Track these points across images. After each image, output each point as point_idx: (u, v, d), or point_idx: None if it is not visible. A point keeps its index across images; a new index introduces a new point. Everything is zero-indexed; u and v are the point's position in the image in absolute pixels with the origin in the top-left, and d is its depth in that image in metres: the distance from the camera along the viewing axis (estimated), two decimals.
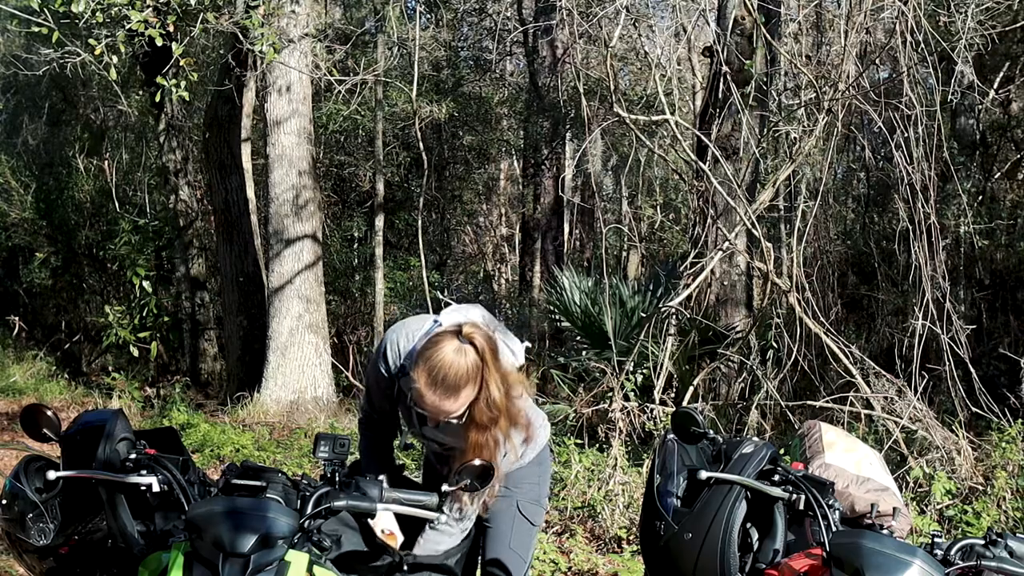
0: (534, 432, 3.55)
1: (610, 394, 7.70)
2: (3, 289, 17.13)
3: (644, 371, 8.16)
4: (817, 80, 8.08)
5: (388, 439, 3.72)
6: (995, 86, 10.99)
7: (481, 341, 3.19)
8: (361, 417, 3.75)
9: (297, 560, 2.71)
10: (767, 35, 8.39)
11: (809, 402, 7.67)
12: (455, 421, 3.25)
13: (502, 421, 3.28)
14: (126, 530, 3.05)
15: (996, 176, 12.70)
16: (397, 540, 3.40)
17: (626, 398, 7.63)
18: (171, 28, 7.82)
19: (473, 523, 3.57)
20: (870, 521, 3.13)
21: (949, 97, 8.58)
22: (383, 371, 3.48)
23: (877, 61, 9.26)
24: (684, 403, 7.82)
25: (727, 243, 8.22)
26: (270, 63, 10.54)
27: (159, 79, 8.18)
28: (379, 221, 13.56)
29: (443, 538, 3.48)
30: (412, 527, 3.44)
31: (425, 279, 10.91)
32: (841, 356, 7.41)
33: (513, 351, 3.49)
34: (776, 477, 3.24)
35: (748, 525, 3.25)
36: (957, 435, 6.97)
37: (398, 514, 3.24)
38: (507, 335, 3.51)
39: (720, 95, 8.88)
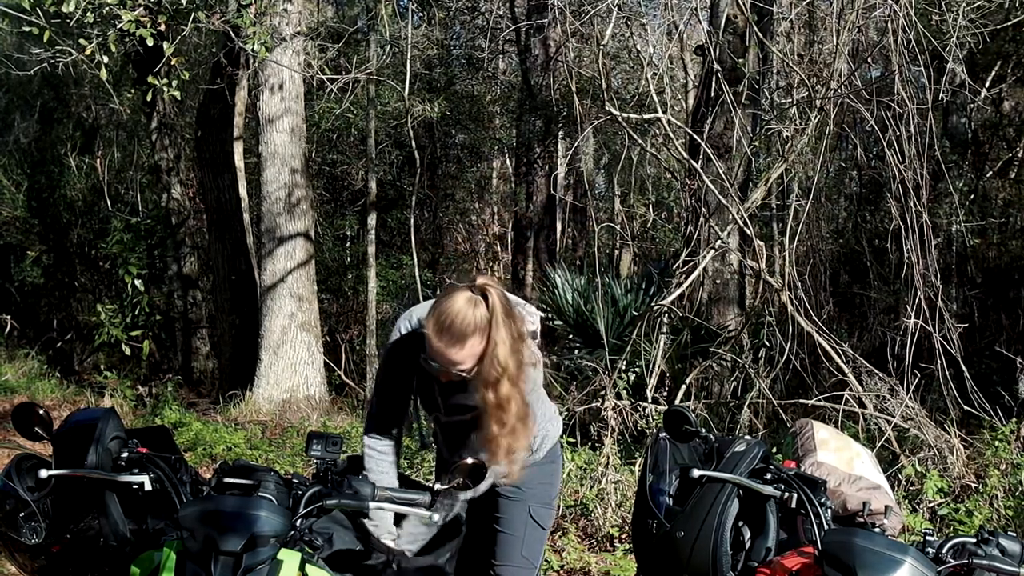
0: (533, 425, 3.43)
1: (602, 392, 7.68)
2: None
3: (636, 369, 8.16)
4: (809, 79, 8.09)
5: (394, 454, 3.59)
6: (987, 85, 10.99)
7: (494, 295, 3.15)
8: (365, 431, 3.60)
9: (289, 559, 2.71)
10: (759, 34, 8.39)
11: (801, 400, 7.67)
12: (463, 375, 3.20)
13: (506, 382, 3.20)
14: (118, 528, 3.05)
15: (988, 174, 12.72)
16: None
17: (618, 396, 7.62)
18: (162, 27, 7.80)
19: (464, 520, 3.56)
20: (862, 519, 3.14)
21: (941, 96, 8.57)
22: (399, 351, 3.42)
23: (869, 60, 9.26)
24: (676, 401, 7.80)
25: (719, 242, 8.22)
26: (262, 61, 10.53)
27: (150, 79, 8.15)
28: (371, 219, 13.53)
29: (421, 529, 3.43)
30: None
31: (418, 277, 10.93)
32: (833, 354, 7.42)
33: (529, 312, 3.42)
34: (768, 475, 3.25)
35: (740, 523, 3.26)
36: (949, 433, 6.97)
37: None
38: (521, 303, 3.46)
39: (712, 93, 8.88)
